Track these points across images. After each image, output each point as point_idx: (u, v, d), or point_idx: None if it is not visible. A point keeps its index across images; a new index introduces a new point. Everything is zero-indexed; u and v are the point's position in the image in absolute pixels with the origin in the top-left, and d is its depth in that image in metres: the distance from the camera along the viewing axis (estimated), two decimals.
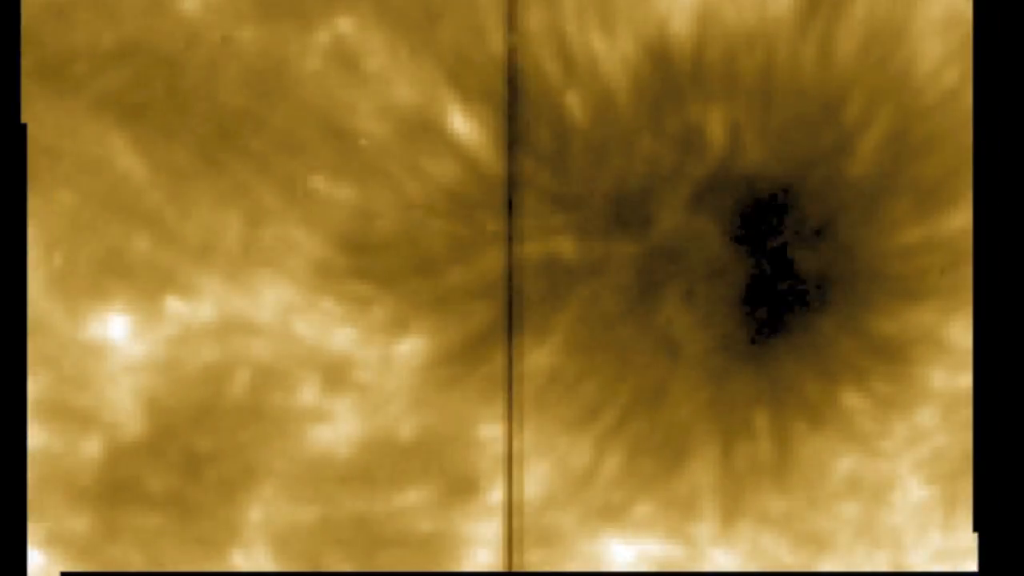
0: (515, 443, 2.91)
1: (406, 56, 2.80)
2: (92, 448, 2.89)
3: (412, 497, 2.93)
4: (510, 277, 2.83)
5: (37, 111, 2.81)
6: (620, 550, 2.98)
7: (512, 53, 2.76)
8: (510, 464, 2.87)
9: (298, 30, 2.82)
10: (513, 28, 2.77)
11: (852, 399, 2.98)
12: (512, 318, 2.85)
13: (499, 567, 2.95)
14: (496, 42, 2.80)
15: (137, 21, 2.78)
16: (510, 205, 2.76)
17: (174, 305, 2.87)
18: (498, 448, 2.93)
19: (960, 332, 2.99)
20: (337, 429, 2.92)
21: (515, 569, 2.92)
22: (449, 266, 2.89)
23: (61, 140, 2.82)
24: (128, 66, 2.79)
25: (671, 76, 2.87)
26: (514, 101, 2.77)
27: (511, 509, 2.89)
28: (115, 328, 2.86)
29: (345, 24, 2.81)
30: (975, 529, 2.58)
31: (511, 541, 2.89)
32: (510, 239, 2.79)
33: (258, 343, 2.88)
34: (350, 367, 2.90)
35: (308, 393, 2.90)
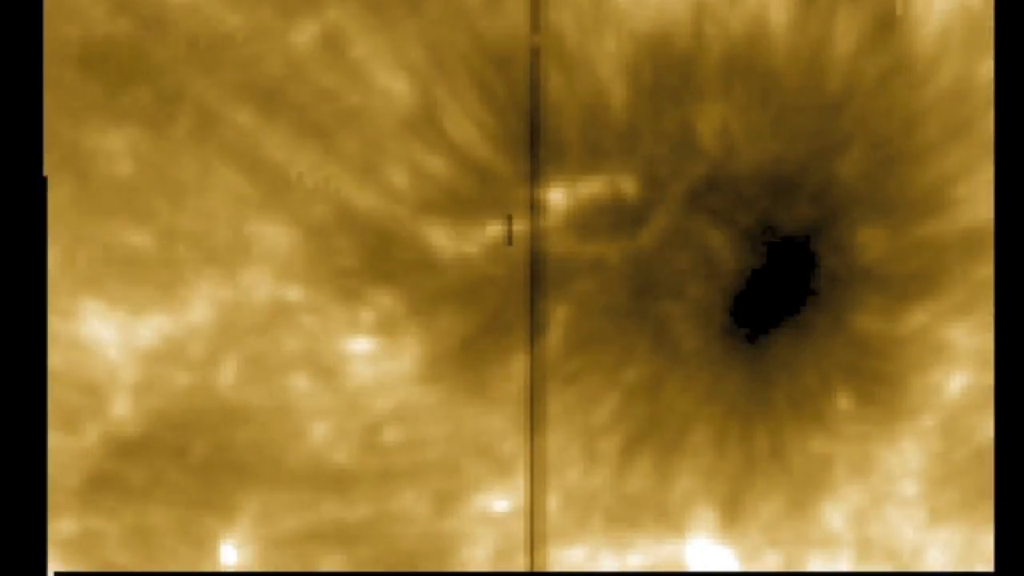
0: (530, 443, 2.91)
1: (399, 46, 2.78)
2: (85, 446, 2.84)
3: (407, 498, 2.92)
4: (532, 276, 2.83)
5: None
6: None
7: (535, 53, 2.75)
8: (532, 465, 2.87)
9: (288, 19, 2.79)
10: (536, 29, 2.77)
11: (846, 398, 3.01)
12: (534, 316, 2.85)
13: (512, 567, 2.95)
14: (487, 32, 2.80)
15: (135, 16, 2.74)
16: (532, 201, 2.76)
17: (165, 301, 2.83)
18: (505, 449, 2.93)
19: (956, 333, 3.02)
20: (336, 426, 2.90)
21: (536, 569, 2.92)
22: (446, 262, 2.88)
23: (57, 133, 2.77)
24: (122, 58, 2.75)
25: (670, 75, 2.89)
26: (536, 104, 2.77)
27: (533, 509, 2.89)
28: (108, 323, 2.82)
29: (334, 13, 2.79)
30: (996, 528, 2.60)
31: (533, 541, 2.89)
32: (532, 236, 2.80)
33: (251, 340, 2.85)
34: (347, 364, 2.88)
35: (303, 390, 2.87)
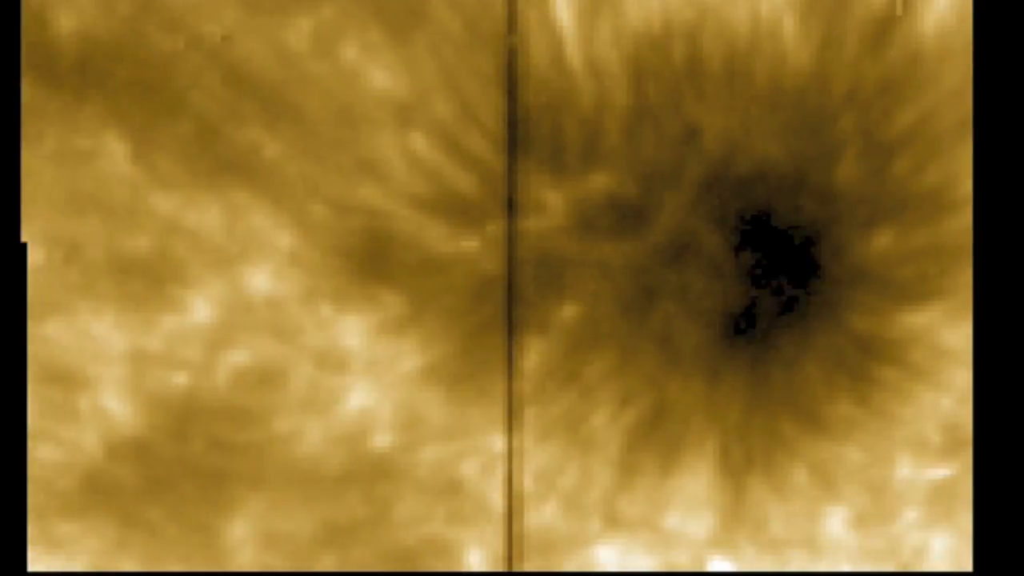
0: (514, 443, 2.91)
1: (397, 45, 2.80)
2: (82, 447, 2.88)
3: (406, 498, 2.93)
4: (510, 277, 2.84)
5: (29, 105, 2.81)
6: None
7: (512, 54, 2.76)
8: (510, 466, 2.87)
9: (283, 17, 2.82)
10: (513, 29, 2.78)
11: (846, 401, 2.99)
12: (511, 318, 2.86)
13: (498, 568, 2.95)
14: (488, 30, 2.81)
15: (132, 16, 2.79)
16: (510, 204, 2.77)
17: (166, 301, 2.86)
18: (497, 448, 2.93)
19: (955, 334, 2.99)
20: (332, 428, 2.92)
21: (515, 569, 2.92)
22: (444, 263, 2.90)
23: (52, 133, 2.81)
24: (121, 61, 2.79)
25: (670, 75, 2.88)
26: (513, 103, 2.77)
27: (511, 511, 2.89)
28: (107, 325, 2.86)
29: (329, 11, 2.82)
30: (974, 531, 2.58)
31: (511, 543, 2.89)
32: (510, 238, 2.80)
33: (250, 341, 2.88)
34: (345, 365, 2.90)
35: (301, 391, 2.90)
